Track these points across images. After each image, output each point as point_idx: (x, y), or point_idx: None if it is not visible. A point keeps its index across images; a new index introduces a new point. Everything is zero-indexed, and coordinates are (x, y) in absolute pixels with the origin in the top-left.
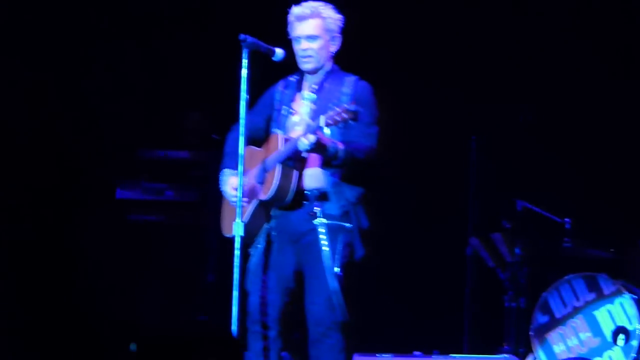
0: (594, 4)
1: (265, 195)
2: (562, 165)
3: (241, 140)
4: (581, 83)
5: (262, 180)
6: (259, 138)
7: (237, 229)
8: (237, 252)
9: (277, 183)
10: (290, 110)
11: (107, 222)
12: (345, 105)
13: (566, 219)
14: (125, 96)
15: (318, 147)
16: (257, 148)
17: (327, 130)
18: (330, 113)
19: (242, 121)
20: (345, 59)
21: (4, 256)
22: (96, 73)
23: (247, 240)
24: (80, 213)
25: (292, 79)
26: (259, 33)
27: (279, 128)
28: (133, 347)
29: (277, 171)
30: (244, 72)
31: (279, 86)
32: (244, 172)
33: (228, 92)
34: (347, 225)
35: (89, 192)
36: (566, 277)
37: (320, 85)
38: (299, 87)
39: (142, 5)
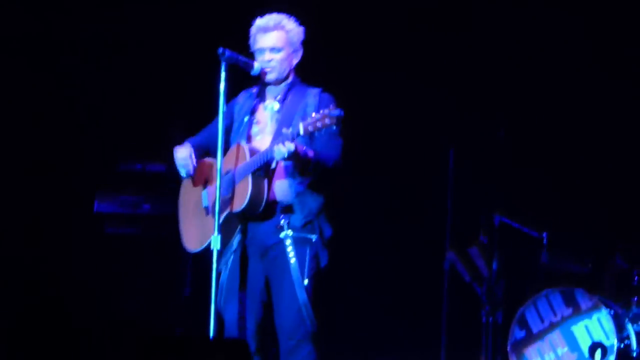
0: (568, 23)
1: (238, 206)
2: (540, 180)
3: (219, 153)
4: (560, 97)
5: (229, 192)
6: (214, 147)
7: (214, 243)
8: (214, 266)
9: (250, 194)
10: (253, 120)
11: (85, 235)
12: (327, 111)
13: (543, 234)
14: (103, 109)
15: (295, 155)
16: (211, 159)
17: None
18: (309, 120)
19: (220, 134)
20: (321, 71)
21: None
22: (74, 87)
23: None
24: (59, 226)
25: (254, 90)
26: (225, 45)
27: (240, 138)
28: None
29: (249, 182)
30: (222, 85)
31: (240, 98)
32: (205, 184)
33: (204, 103)
34: (313, 236)
35: (67, 206)
36: (543, 292)
37: (284, 96)
38: (261, 98)
39: (120, 18)
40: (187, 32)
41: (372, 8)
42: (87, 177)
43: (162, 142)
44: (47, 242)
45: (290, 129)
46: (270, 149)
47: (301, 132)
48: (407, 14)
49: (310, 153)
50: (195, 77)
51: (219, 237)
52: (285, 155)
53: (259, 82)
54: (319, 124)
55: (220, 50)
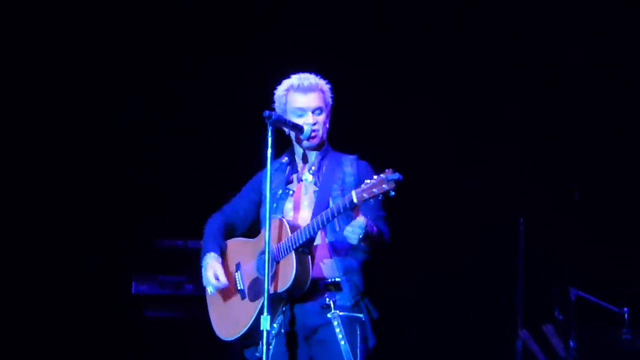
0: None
1: (282, 286)
2: (619, 250)
3: (267, 227)
4: (633, 161)
5: (271, 271)
6: (241, 225)
7: (264, 323)
8: (264, 348)
9: (295, 272)
10: (288, 193)
11: (123, 320)
12: (384, 175)
13: (625, 309)
14: (140, 181)
15: (367, 232)
16: (244, 239)
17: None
18: (364, 186)
19: (267, 206)
20: (372, 136)
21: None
22: (111, 160)
23: (253, 341)
24: (95, 311)
25: (284, 160)
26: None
27: (274, 212)
28: None
29: (293, 259)
30: (269, 151)
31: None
32: (237, 265)
33: (245, 171)
34: (361, 316)
35: (103, 288)
36: None
37: (319, 166)
38: (293, 168)
39: (153, 90)
40: (223, 101)
41: (439, 69)
42: (124, 256)
43: (204, 216)
44: (83, 329)
45: (340, 200)
46: (312, 224)
47: (355, 200)
48: (475, 79)
49: (375, 228)
50: (234, 145)
51: (269, 317)
52: (361, 235)
53: (289, 150)
54: (375, 190)
55: (267, 113)
